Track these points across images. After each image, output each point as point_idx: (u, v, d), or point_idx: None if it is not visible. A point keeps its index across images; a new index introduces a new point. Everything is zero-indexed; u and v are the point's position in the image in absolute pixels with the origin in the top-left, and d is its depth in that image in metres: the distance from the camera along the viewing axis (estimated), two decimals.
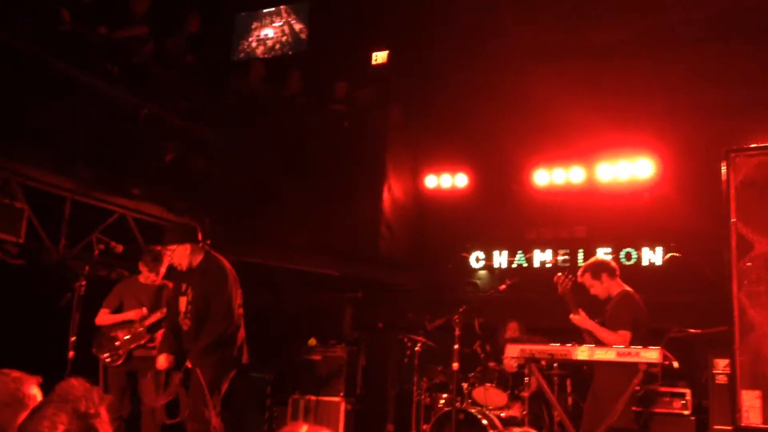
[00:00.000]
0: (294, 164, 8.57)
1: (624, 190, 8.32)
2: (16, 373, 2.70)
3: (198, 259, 5.34)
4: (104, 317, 6.03)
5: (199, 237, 5.35)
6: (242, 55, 9.24)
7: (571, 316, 5.45)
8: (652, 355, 4.32)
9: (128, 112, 7.24)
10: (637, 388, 5.13)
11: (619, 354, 4.49)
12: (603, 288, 5.52)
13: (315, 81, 9.16)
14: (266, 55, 9.03)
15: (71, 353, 5.33)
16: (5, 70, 6.08)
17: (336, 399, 7.94)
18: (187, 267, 5.32)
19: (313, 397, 8.01)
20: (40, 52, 6.32)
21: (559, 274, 5.59)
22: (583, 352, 4.58)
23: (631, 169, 8.33)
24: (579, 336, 5.54)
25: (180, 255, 5.27)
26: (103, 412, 2.04)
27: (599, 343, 5.12)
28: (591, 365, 5.48)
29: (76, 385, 2.06)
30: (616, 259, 8.23)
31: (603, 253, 8.35)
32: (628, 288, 5.56)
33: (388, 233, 8.84)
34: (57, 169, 6.73)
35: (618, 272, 5.65)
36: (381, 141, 8.87)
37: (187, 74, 8.20)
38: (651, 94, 8.07)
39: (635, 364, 4.37)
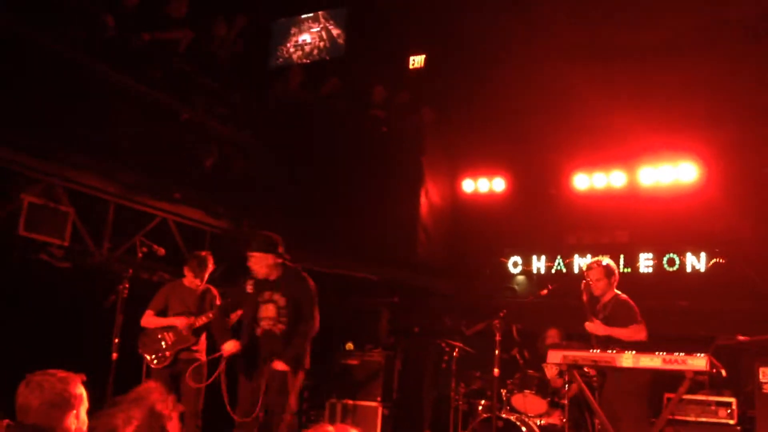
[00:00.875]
0: (332, 169, 8.60)
1: (667, 194, 8.17)
2: (61, 374, 2.75)
3: (277, 270, 5.55)
4: (150, 319, 6.10)
5: (281, 250, 5.57)
6: (280, 60, 9.31)
7: (587, 324, 5.46)
8: (699, 362, 4.22)
9: (170, 117, 7.34)
10: (684, 397, 5.02)
11: (665, 361, 4.39)
12: (604, 287, 5.57)
13: (353, 86, 9.19)
14: (304, 61, 9.08)
15: (115, 354, 5.40)
16: (50, 75, 6.21)
17: (373, 404, 7.93)
18: (264, 276, 5.52)
19: (350, 402, 8.00)
20: (84, 58, 6.45)
21: (585, 281, 5.55)
22: (627, 359, 4.49)
23: (673, 173, 8.18)
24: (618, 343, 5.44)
25: (260, 263, 5.48)
26: (176, 417, 2.09)
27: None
28: (601, 371, 5.44)
29: (154, 387, 2.12)
30: (659, 264, 8.11)
31: (645, 259, 8.23)
32: (616, 293, 5.64)
33: (425, 238, 8.81)
34: (100, 173, 6.85)
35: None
36: (418, 145, 8.85)
37: (227, 79, 8.29)
38: (694, 95, 7.90)
39: (681, 372, 4.26)
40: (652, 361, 4.47)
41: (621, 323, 5.23)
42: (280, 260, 5.53)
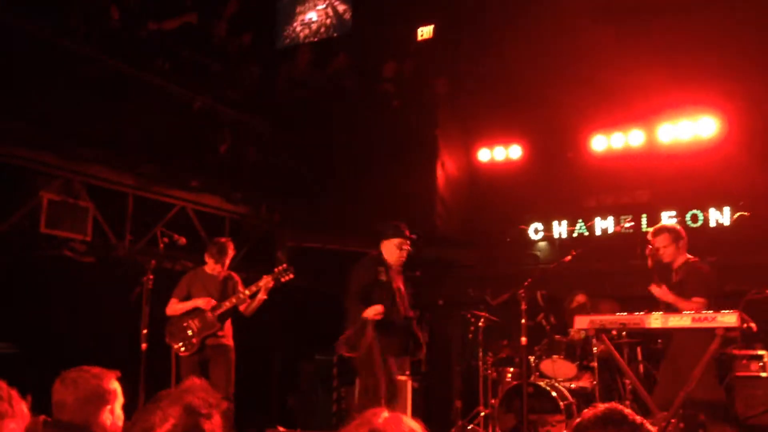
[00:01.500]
0: (346, 147, 8.56)
1: (687, 150, 8.05)
2: (95, 370, 2.77)
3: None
4: (174, 307, 6.14)
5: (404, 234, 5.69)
6: (287, 41, 9.24)
7: (653, 287, 5.23)
8: (729, 319, 4.16)
9: (182, 106, 7.34)
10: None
11: (694, 320, 4.34)
12: (673, 254, 5.32)
13: (362, 61, 9.10)
14: (312, 39, 9.01)
15: (144, 345, 5.45)
16: (60, 72, 6.22)
17: (402, 378, 7.94)
18: (397, 263, 5.69)
19: None
20: (93, 52, 6.44)
21: (651, 246, 5.38)
22: (656, 320, 4.44)
23: (693, 128, 8.05)
24: (644, 304, 5.37)
25: (388, 251, 5.65)
26: (217, 416, 2.07)
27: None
28: (666, 333, 5.30)
29: (197, 384, 2.11)
30: (682, 221, 7.99)
31: (668, 217, 8.13)
32: (692, 257, 5.38)
33: (443, 210, 8.78)
34: (117, 167, 6.88)
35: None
36: (431, 117, 8.78)
37: (236, 64, 8.25)
38: (711, 48, 7.72)
39: (713, 330, 4.21)
40: (681, 320, 4.42)
41: (688, 293, 5.05)
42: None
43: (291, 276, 6.08)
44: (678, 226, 5.58)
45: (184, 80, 7.34)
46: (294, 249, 8.78)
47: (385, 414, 1.63)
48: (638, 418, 1.80)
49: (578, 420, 1.83)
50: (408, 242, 5.74)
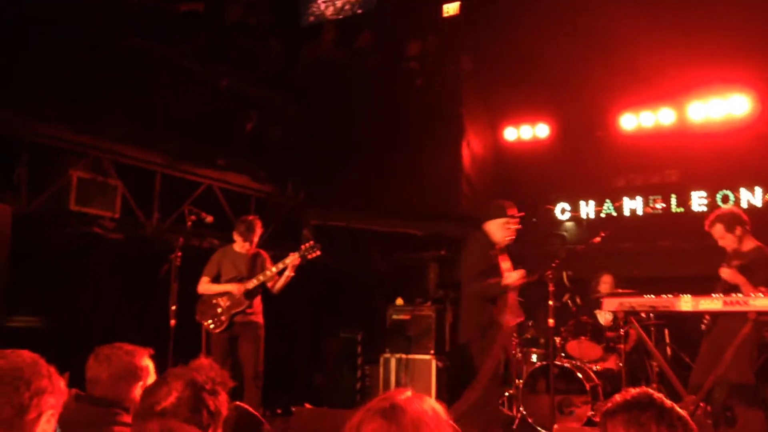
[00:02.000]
0: (371, 125, 8.52)
1: (718, 129, 7.88)
2: (128, 347, 2.81)
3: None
4: (205, 286, 6.20)
5: (509, 213, 5.51)
6: (312, 18, 9.17)
7: (723, 269, 5.08)
8: (762, 302, 4.09)
9: (208, 85, 7.35)
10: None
11: (726, 303, 4.28)
12: (733, 240, 5.16)
13: (386, 39, 9.02)
14: (336, 16, 8.93)
15: (173, 321, 5.52)
16: (90, 53, 6.26)
17: (426, 357, 7.98)
18: (503, 243, 5.52)
19: (403, 356, 8.07)
20: (122, 32, 6.47)
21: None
22: (686, 303, 4.38)
23: (725, 106, 7.87)
24: (671, 286, 5.27)
25: (494, 231, 5.51)
26: (223, 394, 2.11)
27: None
28: (713, 315, 5.16)
29: (205, 363, 2.16)
30: (713, 202, 7.87)
31: (698, 197, 8.01)
32: (759, 243, 5.21)
33: (469, 189, 8.72)
34: (145, 145, 6.93)
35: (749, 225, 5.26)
36: (456, 96, 8.69)
37: (261, 42, 8.23)
38: (743, 24, 7.51)
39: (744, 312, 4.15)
40: (712, 303, 4.36)
41: (755, 280, 4.86)
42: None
43: (318, 253, 6.09)
44: (733, 211, 5.38)
45: (210, 59, 7.34)
46: (319, 227, 8.81)
47: (408, 393, 1.64)
48: (668, 402, 1.79)
49: (608, 405, 1.82)
50: (515, 220, 5.57)
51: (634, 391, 1.81)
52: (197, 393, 2.07)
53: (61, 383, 1.87)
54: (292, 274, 6.07)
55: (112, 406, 2.68)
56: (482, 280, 5.28)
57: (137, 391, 2.72)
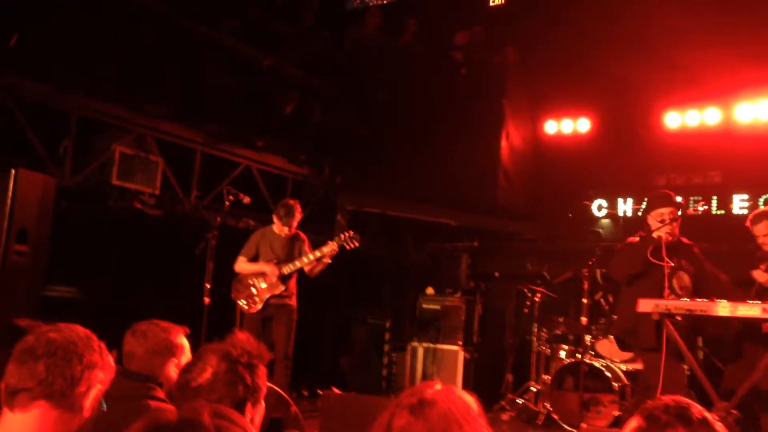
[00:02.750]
0: (411, 113, 8.49)
1: (765, 131, 7.68)
2: (165, 324, 2.85)
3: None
4: (242, 265, 6.28)
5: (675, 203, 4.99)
6: (357, 2, 9.16)
7: (758, 272, 4.94)
8: None
9: (251, 66, 7.39)
10: None
11: (765, 310, 4.19)
12: None
13: (431, 26, 8.96)
14: (382, 2, 8.90)
15: (207, 299, 5.60)
16: (137, 30, 6.35)
17: (454, 347, 7.99)
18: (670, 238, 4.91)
19: (431, 345, 8.09)
20: (168, 11, 6.53)
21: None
22: (724, 308, 4.30)
23: None
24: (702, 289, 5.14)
25: (653, 224, 5.02)
26: (261, 368, 2.10)
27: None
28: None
29: (239, 336, 2.15)
30: (755, 206, 7.70)
31: (740, 200, 7.84)
32: None
33: (506, 182, 8.66)
34: (187, 123, 7.01)
35: None
36: (499, 86, 8.61)
37: (305, 24, 8.24)
38: None
39: None
40: (751, 309, 4.28)
41: None
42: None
43: (356, 244, 6.10)
44: None
45: (253, 40, 7.38)
46: (353, 212, 8.84)
47: (438, 386, 1.62)
48: (704, 413, 1.75)
49: (648, 411, 1.79)
50: (673, 213, 4.95)
51: (667, 398, 1.77)
52: (233, 366, 2.06)
53: (110, 359, 1.91)
54: (329, 261, 6.10)
55: (147, 380, 2.73)
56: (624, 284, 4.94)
57: (171, 368, 2.76)
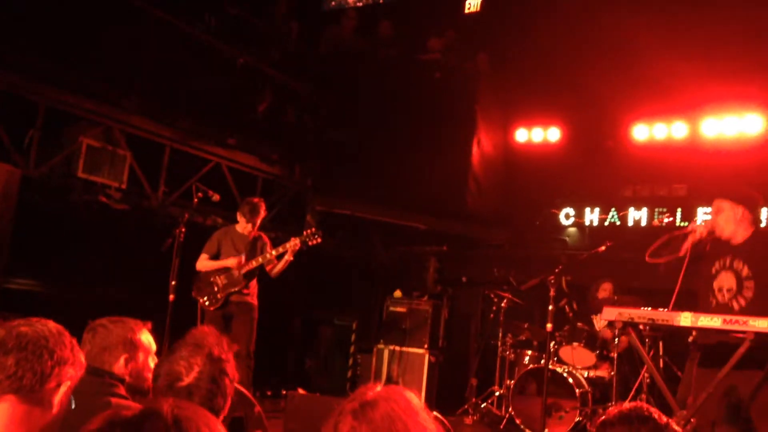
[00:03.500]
0: (384, 116, 8.50)
1: (730, 147, 7.87)
2: (121, 319, 2.81)
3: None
4: (204, 263, 6.23)
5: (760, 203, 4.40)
6: (333, 3, 9.16)
7: None
8: (762, 324, 4.08)
9: (225, 63, 7.34)
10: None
11: (725, 322, 4.27)
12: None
13: (406, 30, 9.01)
14: (358, 4, 8.92)
15: (171, 296, 5.53)
16: (112, 22, 6.26)
17: (420, 350, 8.01)
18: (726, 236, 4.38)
19: (397, 348, 8.10)
20: (144, 4, 6.46)
21: None
22: (686, 319, 4.36)
23: (738, 125, 7.87)
24: (669, 299, 5.24)
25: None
26: (231, 359, 2.16)
27: None
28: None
29: (208, 332, 2.19)
30: None
31: (704, 213, 7.99)
32: None
33: (475, 188, 8.72)
34: (157, 118, 6.93)
35: None
36: (472, 93, 8.68)
37: (281, 24, 8.22)
38: (763, 43, 7.50)
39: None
40: (712, 321, 4.35)
41: None
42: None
43: (319, 240, 6.10)
44: None
45: (229, 37, 7.33)
46: (323, 213, 8.82)
47: (378, 388, 1.62)
48: (664, 418, 1.79)
49: (603, 417, 1.82)
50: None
51: (629, 404, 1.81)
52: (218, 365, 2.11)
53: (81, 356, 1.89)
54: (291, 258, 6.08)
55: (109, 377, 2.69)
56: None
57: (121, 362, 2.72)
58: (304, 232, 6.12)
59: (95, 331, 2.73)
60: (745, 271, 4.36)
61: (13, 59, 5.87)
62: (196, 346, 2.13)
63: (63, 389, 1.81)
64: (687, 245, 4.40)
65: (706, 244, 4.50)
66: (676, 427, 1.77)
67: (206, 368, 2.08)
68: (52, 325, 1.87)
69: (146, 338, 2.87)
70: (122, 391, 2.67)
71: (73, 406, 1.90)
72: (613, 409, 1.79)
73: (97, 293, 6.38)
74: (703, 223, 4.55)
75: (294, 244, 6.04)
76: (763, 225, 8.21)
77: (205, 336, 2.20)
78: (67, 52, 6.06)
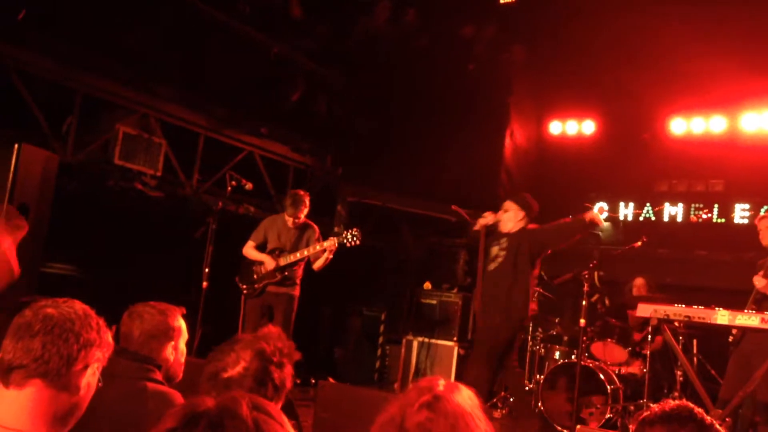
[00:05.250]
0: (416, 106, 8.47)
1: None
2: (162, 305, 2.83)
3: None
4: (248, 251, 6.22)
5: None
6: None
7: (758, 278, 4.97)
8: None
9: (259, 52, 7.37)
10: None
11: (763, 320, 4.19)
12: None
13: (440, 21, 8.93)
14: None
15: (205, 283, 5.58)
16: (147, 11, 6.31)
17: (449, 343, 7.99)
18: None
19: (426, 339, 8.09)
20: None
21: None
22: (723, 316, 4.30)
23: None
24: (704, 296, 5.16)
25: None
26: (288, 366, 2.12)
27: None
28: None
29: (273, 332, 2.16)
30: (756, 215, 7.69)
31: (741, 209, 7.84)
32: None
33: (507, 180, 8.65)
34: (192, 106, 6.99)
35: None
36: (505, 85, 8.60)
37: (316, 13, 8.21)
38: None
39: None
40: (750, 319, 4.28)
41: None
42: None
43: (358, 242, 6.04)
44: None
45: (263, 26, 7.35)
46: (354, 204, 8.83)
47: (443, 381, 1.63)
48: (708, 418, 1.75)
49: (645, 414, 1.80)
50: None
51: (673, 402, 1.78)
52: (265, 365, 2.07)
53: (109, 337, 1.88)
54: (330, 257, 6.08)
55: (145, 361, 2.72)
56: None
57: (169, 350, 2.75)
58: (345, 233, 6.07)
59: (142, 318, 2.74)
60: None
61: (52, 47, 5.96)
62: (251, 341, 2.11)
63: (90, 372, 1.80)
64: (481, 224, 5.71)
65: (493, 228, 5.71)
66: (721, 429, 1.73)
67: (253, 365, 2.04)
68: (78, 306, 1.86)
69: (183, 324, 2.90)
70: (158, 376, 2.70)
71: (101, 385, 1.90)
72: (655, 407, 1.76)
73: (131, 278, 6.47)
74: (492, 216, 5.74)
75: (332, 244, 6.00)
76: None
77: (266, 334, 2.18)
78: (104, 40, 6.13)
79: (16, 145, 5.32)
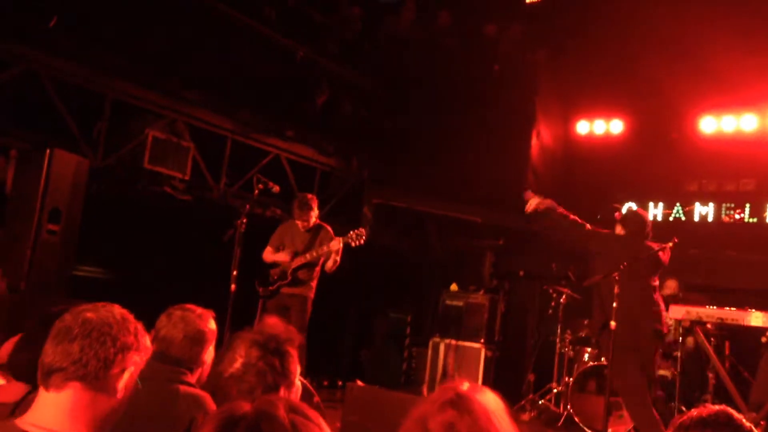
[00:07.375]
0: (442, 108, 8.45)
1: None
2: (199, 310, 2.84)
3: None
4: (267, 255, 6.35)
5: None
6: None
7: None
8: None
9: (284, 55, 7.41)
10: None
11: None
12: None
13: (466, 20, 8.90)
14: None
15: (233, 286, 5.61)
16: (174, 16, 6.38)
17: (476, 345, 7.95)
18: None
19: (453, 341, 8.06)
20: None
21: None
22: (757, 318, 4.23)
23: None
24: (735, 297, 5.08)
25: None
26: (292, 352, 2.13)
27: None
28: None
29: (269, 322, 2.17)
30: None
31: None
32: None
33: (534, 180, 8.59)
34: (219, 110, 7.05)
35: None
36: (531, 84, 8.54)
37: (341, 16, 8.24)
38: None
39: None
40: None
41: None
42: None
43: (362, 242, 6.03)
44: None
45: (288, 30, 7.39)
46: (380, 206, 8.83)
47: (467, 384, 1.63)
48: (747, 425, 1.73)
49: (682, 418, 1.77)
50: None
51: (712, 407, 1.75)
52: (261, 354, 2.08)
53: (146, 341, 1.90)
54: (339, 258, 6.08)
55: (178, 365, 2.73)
56: None
57: (208, 354, 2.77)
58: (350, 233, 6.09)
59: (184, 321, 2.75)
60: None
61: (82, 53, 6.05)
62: (243, 337, 2.12)
63: (127, 375, 1.83)
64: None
65: None
66: None
67: (250, 357, 2.05)
68: (117, 310, 1.88)
69: (214, 327, 2.92)
70: (191, 379, 2.71)
71: (139, 386, 1.92)
72: (694, 411, 1.74)
73: (160, 281, 6.54)
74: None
75: (337, 245, 6.01)
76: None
77: (261, 328, 2.19)
78: (133, 46, 6.21)
79: (48, 150, 5.41)
